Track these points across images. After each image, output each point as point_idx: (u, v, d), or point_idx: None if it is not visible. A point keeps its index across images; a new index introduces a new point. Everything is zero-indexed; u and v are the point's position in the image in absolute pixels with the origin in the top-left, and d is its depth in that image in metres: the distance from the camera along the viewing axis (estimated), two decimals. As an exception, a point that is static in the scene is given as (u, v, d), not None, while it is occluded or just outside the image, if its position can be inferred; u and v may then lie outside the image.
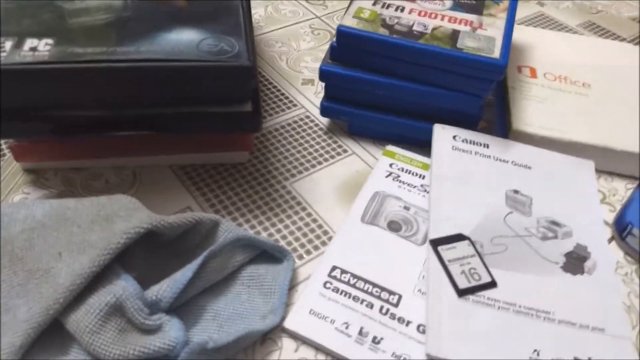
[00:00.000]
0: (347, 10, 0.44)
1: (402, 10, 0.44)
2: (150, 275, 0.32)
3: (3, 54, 0.34)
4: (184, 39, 0.36)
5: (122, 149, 0.41)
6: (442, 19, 0.43)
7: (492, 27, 0.43)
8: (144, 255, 0.33)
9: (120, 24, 0.37)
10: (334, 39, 0.43)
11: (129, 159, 0.42)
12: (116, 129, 0.38)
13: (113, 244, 0.30)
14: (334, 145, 0.47)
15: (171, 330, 0.30)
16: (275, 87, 0.53)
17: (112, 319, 0.29)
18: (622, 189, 0.45)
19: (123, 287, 0.30)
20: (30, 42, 0.35)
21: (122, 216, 0.32)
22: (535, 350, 0.32)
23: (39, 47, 0.35)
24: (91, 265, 0.29)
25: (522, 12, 0.68)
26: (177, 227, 0.32)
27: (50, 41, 0.35)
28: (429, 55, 0.40)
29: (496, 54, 0.40)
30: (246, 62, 0.34)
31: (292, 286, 0.35)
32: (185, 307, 0.33)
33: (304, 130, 0.48)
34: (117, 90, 0.36)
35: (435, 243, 0.36)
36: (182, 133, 0.39)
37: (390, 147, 0.45)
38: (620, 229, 0.40)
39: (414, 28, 0.42)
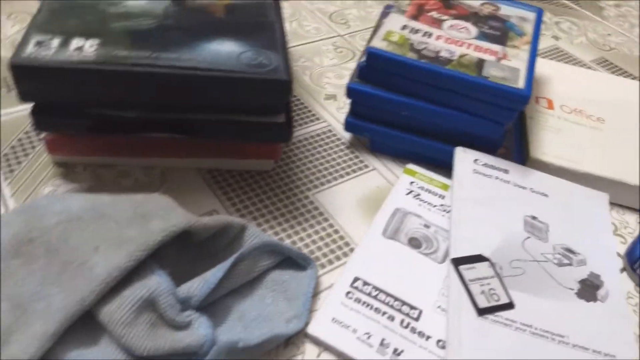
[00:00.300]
0: (375, 32, 0.46)
1: (430, 36, 0.46)
2: (180, 273, 0.33)
3: (50, 52, 0.36)
4: (224, 50, 0.37)
5: (154, 149, 0.42)
6: (469, 47, 0.45)
7: (516, 58, 0.45)
8: (177, 254, 0.34)
9: (163, 30, 0.39)
10: (363, 59, 0.44)
11: (159, 160, 0.43)
12: (152, 130, 0.39)
13: (151, 240, 0.31)
14: (356, 160, 0.48)
15: (200, 328, 0.30)
16: (299, 100, 0.54)
17: (145, 312, 0.30)
18: (633, 222, 0.46)
19: (157, 282, 0.30)
20: (76, 42, 0.37)
21: (159, 215, 0.32)
22: (549, 372, 0.33)
23: (85, 47, 0.36)
24: (128, 260, 0.30)
25: (539, 44, 0.70)
26: (211, 228, 0.33)
27: (96, 42, 0.37)
28: (457, 81, 0.42)
29: (520, 84, 0.41)
30: (284, 76, 0.36)
31: (315, 294, 0.36)
32: (212, 307, 0.33)
33: (326, 144, 0.49)
34: (157, 94, 0.37)
35: (457, 262, 0.37)
36: (216, 140, 0.41)
37: (411, 166, 0.46)
38: (632, 260, 0.41)
39: (441, 54, 0.44)
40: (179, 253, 0.34)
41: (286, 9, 0.68)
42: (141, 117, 0.39)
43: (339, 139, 0.50)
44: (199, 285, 0.31)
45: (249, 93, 0.37)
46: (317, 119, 0.52)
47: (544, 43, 0.70)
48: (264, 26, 0.41)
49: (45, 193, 0.40)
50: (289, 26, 0.65)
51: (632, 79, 0.66)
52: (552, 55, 0.68)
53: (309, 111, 0.53)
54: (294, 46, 0.62)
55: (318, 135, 0.50)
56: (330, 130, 0.51)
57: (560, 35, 0.73)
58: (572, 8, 0.80)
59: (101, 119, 0.39)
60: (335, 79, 0.58)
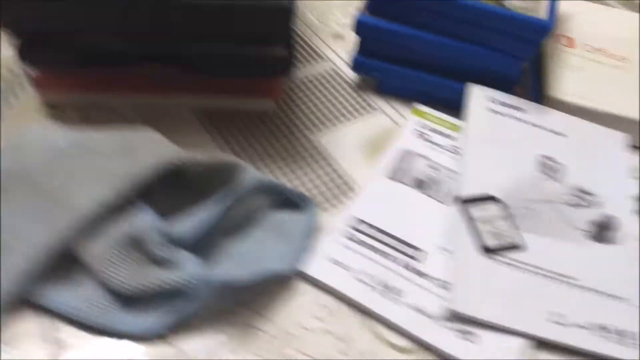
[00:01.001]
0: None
1: (445, -37, 0.42)
2: (171, 213, 0.32)
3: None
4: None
5: (146, 86, 0.40)
6: (487, -24, 0.42)
7: (538, -13, 0.41)
8: (167, 192, 0.32)
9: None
10: (374, -10, 0.41)
11: (152, 98, 0.41)
12: (144, 63, 0.37)
13: (137, 175, 0.29)
14: (362, 102, 0.46)
15: (189, 267, 0.29)
16: (302, 39, 0.51)
17: (130, 250, 0.29)
18: (655, 166, 0.43)
19: (144, 219, 0.29)
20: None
21: (149, 149, 0.31)
22: (560, 314, 0.31)
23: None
24: (112, 194, 0.29)
25: (560, -17, 0.65)
26: (204, 165, 0.31)
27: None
28: (477, 11, 0.38)
29: (542, 14, 0.38)
30: (285, 3, 0.33)
31: (315, 235, 0.35)
32: (207, 248, 0.32)
33: (331, 85, 0.47)
34: (151, 22, 0.34)
35: (466, 202, 0.35)
36: (212, 73, 0.38)
37: (420, 107, 0.44)
38: (652, 204, 0.39)
39: (458, -18, 0.40)
40: (170, 192, 0.32)
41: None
42: (133, 49, 0.36)
43: (344, 80, 0.47)
44: (191, 224, 0.30)
45: (247, 22, 0.34)
46: (322, 58, 0.49)
47: (567, -19, 0.66)
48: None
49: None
50: (293, -36, 0.61)
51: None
52: (575, -6, 0.64)
53: (314, 50, 0.50)
54: (298, -15, 0.58)
55: (322, 76, 0.48)
56: (335, 71, 0.48)
57: (584, -26, 0.68)
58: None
59: (91, 51, 0.36)
60: (342, 17, 0.54)
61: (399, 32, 0.41)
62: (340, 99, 0.46)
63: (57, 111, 0.41)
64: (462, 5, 0.38)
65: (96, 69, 0.38)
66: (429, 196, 0.37)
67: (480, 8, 0.38)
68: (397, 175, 0.38)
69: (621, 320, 0.32)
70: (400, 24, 0.41)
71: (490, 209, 0.34)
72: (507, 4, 0.39)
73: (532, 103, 0.42)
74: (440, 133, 0.41)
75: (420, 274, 0.33)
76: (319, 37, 0.52)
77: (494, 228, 0.34)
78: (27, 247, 0.28)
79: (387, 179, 0.38)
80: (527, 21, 0.37)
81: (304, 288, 0.32)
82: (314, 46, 0.51)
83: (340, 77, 0.48)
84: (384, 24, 0.41)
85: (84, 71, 0.38)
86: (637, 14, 0.55)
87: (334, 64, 0.49)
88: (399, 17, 0.41)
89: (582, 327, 0.31)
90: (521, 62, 0.40)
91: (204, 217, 0.30)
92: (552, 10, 0.38)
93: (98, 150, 0.31)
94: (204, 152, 0.33)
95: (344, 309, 0.32)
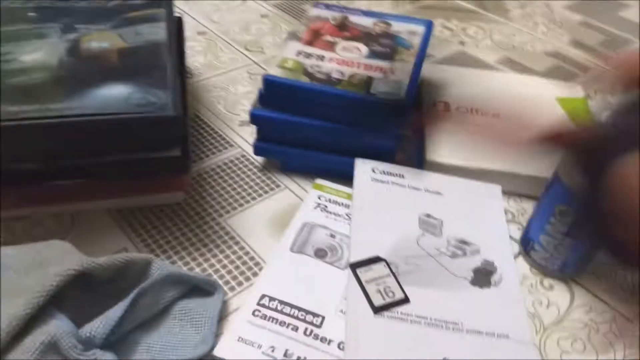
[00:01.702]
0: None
1: (323, 59, 0.49)
2: (85, 314, 0.34)
3: (-59, 114, 0.37)
4: (113, 94, 0.39)
5: (61, 196, 0.43)
6: (359, 67, 0.48)
7: (401, 71, 0.48)
8: (79, 296, 0.35)
9: (55, 82, 0.40)
10: (262, 87, 0.47)
11: (68, 205, 0.44)
12: (54, 178, 0.40)
13: (47, 286, 0.32)
14: (268, 182, 0.50)
15: (104, 364, 0.32)
16: (212, 129, 0.56)
17: (48, 356, 0.31)
18: (529, 209, 0.49)
19: (57, 325, 0.32)
20: (-33, 102, 0.38)
21: (55, 260, 0.34)
22: (444, 359, 0.35)
23: (-23, 106, 0.38)
24: (26, 308, 0.31)
25: (444, 51, 0.74)
26: (108, 267, 0.35)
27: (-14, 100, 0.38)
28: (344, 99, 0.45)
29: (402, 95, 0.45)
30: (171, 112, 0.38)
31: (224, 316, 0.38)
32: (119, 342, 0.35)
33: (239, 169, 0.51)
34: (52, 144, 0.38)
35: (354, 266, 0.39)
36: (116, 179, 0.42)
37: (319, 181, 0.49)
38: (525, 244, 0.44)
39: (333, 75, 0.47)
40: (82, 295, 0.35)
41: (201, 42, 0.71)
42: (42, 167, 0.40)
43: (252, 163, 0.52)
44: (100, 324, 0.33)
45: (139, 131, 0.39)
46: (231, 145, 0.54)
47: (450, 49, 0.75)
48: (156, 66, 0.43)
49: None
50: (203, 59, 0.67)
51: (534, 74, 0.71)
52: (457, 60, 0.72)
53: (223, 139, 0.55)
54: (209, 77, 0.64)
55: (231, 161, 0.52)
56: (243, 156, 0.53)
57: (466, 40, 0.77)
58: (478, 13, 0.86)
59: (3, 173, 0.40)
60: (249, 106, 0.60)
61: (285, 120, 0.47)
62: (248, 180, 0.50)
63: (-22, 227, 0.43)
64: (335, 95, 0.44)
65: (11, 189, 0.41)
66: (330, 264, 0.41)
67: (348, 96, 0.44)
68: (299, 247, 0.42)
69: (502, 356, 0.36)
70: (288, 114, 0.47)
71: (376, 269, 0.39)
72: (374, 90, 0.45)
73: (410, 168, 0.48)
74: (338, 203, 0.46)
75: (321, 339, 0.36)
76: (228, 126, 0.57)
77: (381, 287, 0.38)
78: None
79: (290, 252, 0.42)
80: (387, 104, 0.44)
81: (216, 367, 0.35)
82: (223, 134, 0.56)
83: (249, 160, 0.52)
84: (273, 114, 0.47)
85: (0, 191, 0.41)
86: (510, 74, 0.64)
87: (243, 149, 0.54)
88: (285, 107, 0.47)
89: (467, 366, 0.35)
90: (392, 136, 0.46)
91: (111, 314, 0.33)
92: (410, 91, 0.45)
93: (11, 266, 0.34)
94: (113, 254, 0.36)
95: (254, 381, 0.35)
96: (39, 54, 0.43)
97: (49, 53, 0.43)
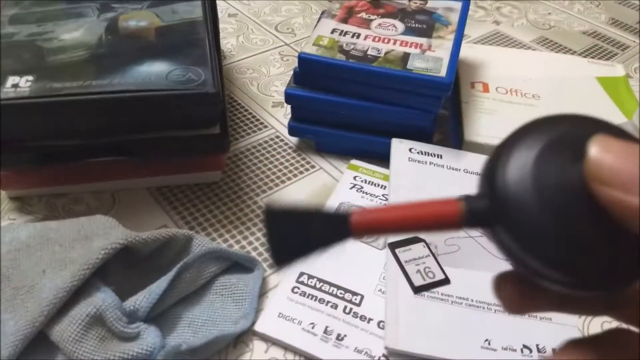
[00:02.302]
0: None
1: (358, 37, 0.48)
2: (129, 288, 0.35)
3: (-13, 92, 0.37)
4: (154, 71, 0.39)
5: (101, 174, 0.44)
6: (395, 43, 0.47)
7: (441, 48, 0.47)
8: (123, 270, 0.35)
9: (96, 60, 0.41)
10: (297, 65, 0.46)
11: (108, 183, 0.45)
12: (94, 155, 0.41)
13: (92, 259, 0.33)
14: (303, 162, 0.50)
15: (149, 337, 0.32)
16: (247, 110, 0.56)
17: (93, 328, 0.32)
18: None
19: (102, 298, 0.32)
20: (12, 80, 0.38)
21: (100, 234, 0.34)
22: (486, 340, 0.34)
23: (20, 84, 0.38)
24: (72, 280, 0.32)
25: (479, 31, 0.72)
26: (151, 242, 0.35)
27: (30, 78, 0.39)
28: (383, 76, 0.44)
29: (442, 72, 0.44)
30: (211, 89, 0.38)
31: (263, 293, 0.38)
32: (162, 316, 0.35)
33: (274, 149, 0.51)
34: (93, 121, 0.39)
35: (393, 246, 0.39)
36: (156, 158, 0.42)
37: (354, 161, 0.48)
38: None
39: (369, 52, 0.46)
40: (126, 269, 0.36)
41: (232, 24, 0.70)
42: (84, 144, 0.40)
43: (286, 144, 0.52)
44: (144, 297, 0.33)
45: (180, 108, 0.39)
46: (265, 126, 0.54)
47: (485, 29, 0.73)
48: (194, 44, 0.43)
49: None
50: (235, 41, 0.67)
51: (572, 54, 0.68)
52: (492, 40, 0.71)
53: (257, 120, 0.55)
54: (242, 59, 0.64)
55: (266, 142, 0.52)
56: (277, 136, 0.53)
57: (501, 20, 0.75)
58: (512, -8, 0.83)
59: (46, 150, 0.40)
60: (281, 87, 0.60)
61: (321, 99, 0.46)
62: (283, 160, 0.50)
63: (23, 203, 0.44)
64: (372, 72, 0.44)
65: (53, 166, 0.42)
66: (367, 243, 0.41)
67: (385, 73, 0.43)
68: (336, 227, 0.42)
69: (544, 338, 0.35)
70: (323, 93, 0.46)
71: (416, 250, 0.38)
72: (410, 66, 0.44)
73: (448, 149, 0.47)
74: (374, 184, 0.46)
75: (360, 317, 0.36)
76: (262, 107, 0.57)
77: (421, 267, 0.37)
78: (5, 337, 0.31)
79: (327, 232, 0.41)
80: (428, 80, 0.43)
81: (254, 344, 0.35)
82: (257, 115, 0.55)
83: (283, 141, 0.52)
84: (308, 93, 0.46)
85: (42, 168, 0.42)
86: (548, 53, 0.62)
87: (277, 129, 0.54)
88: (321, 86, 0.46)
89: (509, 349, 0.34)
90: (431, 115, 0.45)
91: (154, 288, 0.33)
92: (451, 68, 0.44)
93: (56, 240, 0.35)
94: (156, 229, 0.36)
95: None
96: (78, 32, 0.44)
97: (89, 32, 0.44)
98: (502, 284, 0.19)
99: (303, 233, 0.18)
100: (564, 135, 0.17)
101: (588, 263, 0.16)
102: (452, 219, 0.17)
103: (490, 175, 0.17)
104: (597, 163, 0.15)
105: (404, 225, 0.18)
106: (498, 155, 0.17)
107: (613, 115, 0.52)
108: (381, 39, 0.48)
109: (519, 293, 0.18)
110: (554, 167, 0.16)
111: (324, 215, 0.18)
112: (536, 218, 0.16)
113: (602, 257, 0.16)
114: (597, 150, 0.15)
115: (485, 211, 0.17)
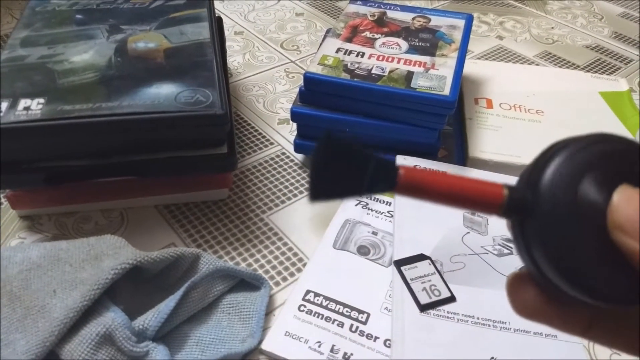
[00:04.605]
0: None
1: (362, 55, 0.49)
2: (137, 307, 0.35)
3: (0, 114, 0.38)
4: (163, 92, 0.40)
5: (110, 192, 0.45)
6: (399, 62, 0.48)
7: (444, 66, 0.48)
8: (132, 289, 0.36)
9: (106, 82, 0.42)
10: (302, 84, 0.47)
11: (117, 202, 0.46)
12: (104, 175, 0.41)
13: (102, 279, 0.33)
14: (309, 179, 0.50)
15: (157, 356, 0.32)
16: (253, 127, 0.57)
17: (103, 347, 0.32)
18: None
19: (112, 318, 0.33)
20: (24, 102, 0.39)
21: (109, 254, 0.35)
22: (492, 358, 0.35)
23: (32, 107, 0.39)
24: (82, 300, 0.32)
25: (482, 46, 0.73)
26: (160, 261, 0.35)
27: (42, 100, 0.39)
28: (387, 95, 0.44)
29: (446, 91, 0.44)
30: (219, 110, 0.39)
31: (270, 311, 0.38)
32: (170, 335, 0.35)
33: (280, 166, 0.52)
34: (104, 142, 0.40)
35: (399, 263, 0.39)
36: (165, 177, 0.43)
37: (360, 178, 0.49)
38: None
39: (373, 71, 0.47)
40: (135, 288, 0.36)
41: (239, 42, 0.72)
42: (93, 164, 0.41)
43: (292, 161, 0.53)
44: (152, 317, 0.34)
45: (188, 129, 0.39)
46: (271, 143, 0.55)
47: (488, 44, 0.74)
48: (202, 65, 0.44)
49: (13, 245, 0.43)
50: (241, 59, 0.68)
51: (575, 68, 0.69)
52: (496, 55, 0.71)
53: (263, 137, 0.56)
54: (248, 77, 0.65)
55: (272, 159, 0.53)
56: (283, 153, 0.53)
57: (504, 35, 0.76)
58: (516, 7, 0.84)
59: (56, 170, 0.41)
60: (287, 104, 0.60)
61: (326, 117, 0.47)
62: (289, 177, 0.51)
63: (33, 221, 0.45)
64: (376, 90, 0.44)
65: (63, 185, 0.42)
66: (372, 261, 0.41)
67: (391, 92, 0.44)
68: (342, 244, 0.42)
69: (550, 355, 0.35)
70: (328, 111, 0.47)
71: (422, 267, 0.39)
72: (414, 85, 0.45)
73: (453, 165, 0.47)
74: (379, 200, 0.46)
75: (367, 335, 0.36)
76: (268, 124, 0.57)
77: (426, 285, 0.38)
78: (17, 357, 0.31)
79: (333, 249, 0.42)
80: (431, 99, 0.43)
81: (263, 362, 0.36)
82: (263, 132, 0.56)
83: (289, 158, 0.53)
84: (314, 112, 0.47)
85: (52, 187, 0.43)
86: (551, 68, 0.62)
87: (283, 146, 0.54)
88: (326, 104, 0.47)
89: (516, 365, 0.34)
90: (435, 133, 0.46)
91: (163, 307, 0.34)
92: (454, 86, 0.44)
93: (66, 260, 0.35)
94: (162, 249, 0.37)
95: (301, 376, 0.35)
96: (88, 54, 0.45)
97: (98, 53, 0.45)
98: (516, 284, 0.20)
99: (351, 171, 0.17)
100: (621, 160, 0.17)
101: (593, 284, 0.17)
102: (495, 200, 0.17)
103: (539, 170, 0.17)
104: (618, 212, 0.16)
105: (448, 193, 0.17)
106: (554, 152, 0.18)
107: (616, 130, 0.52)
108: (385, 57, 0.49)
109: (533, 295, 0.19)
110: (597, 187, 0.17)
111: (375, 159, 0.17)
112: (566, 227, 0.17)
113: (609, 282, 0.17)
114: (619, 199, 0.16)
115: (524, 202, 0.17)
